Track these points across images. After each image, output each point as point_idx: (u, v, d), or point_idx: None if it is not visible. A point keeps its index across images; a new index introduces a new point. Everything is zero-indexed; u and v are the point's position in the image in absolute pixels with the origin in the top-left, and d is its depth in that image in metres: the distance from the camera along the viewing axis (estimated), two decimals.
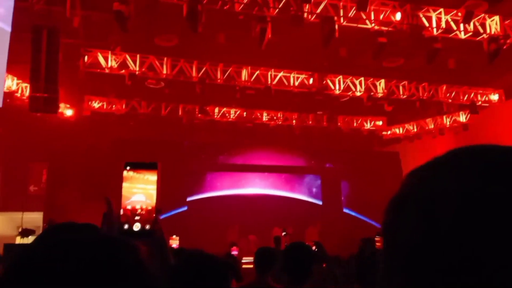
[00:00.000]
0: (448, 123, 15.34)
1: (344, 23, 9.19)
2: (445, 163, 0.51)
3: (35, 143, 13.29)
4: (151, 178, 1.29)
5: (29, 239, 11.44)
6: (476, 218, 0.44)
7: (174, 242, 8.67)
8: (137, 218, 1.26)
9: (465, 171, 0.47)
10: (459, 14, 9.30)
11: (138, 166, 1.30)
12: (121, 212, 1.29)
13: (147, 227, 1.27)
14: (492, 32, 9.65)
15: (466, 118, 14.72)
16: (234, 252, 9.65)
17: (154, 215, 1.26)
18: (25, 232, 11.22)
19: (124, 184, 1.28)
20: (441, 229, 0.45)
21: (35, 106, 8.98)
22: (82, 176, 13.83)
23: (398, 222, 0.51)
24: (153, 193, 1.27)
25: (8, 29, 8.27)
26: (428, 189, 0.48)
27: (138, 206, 1.27)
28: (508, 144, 0.57)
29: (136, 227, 1.26)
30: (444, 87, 13.39)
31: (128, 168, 1.27)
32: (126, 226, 1.26)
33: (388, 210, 0.54)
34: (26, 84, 11.33)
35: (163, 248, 1.46)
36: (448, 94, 13.51)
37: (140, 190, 1.28)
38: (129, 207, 1.27)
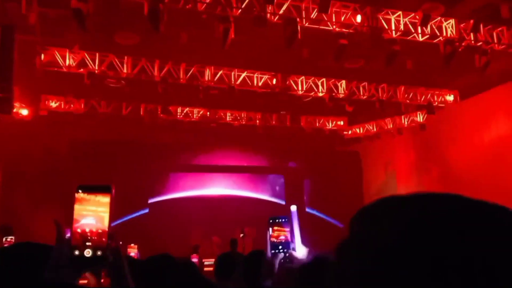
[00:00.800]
0: (406, 123, 15.78)
1: (306, 25, 9.29)
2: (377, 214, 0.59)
3: None
4: (103, 200, 1.23)
5: None
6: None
7: (133, 251, 8.48)
8: (88, 243, 1.20)
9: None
10: (417, 17, 9.59)
11: (91, 188, 1.24)
12: (70, 235, 1.23)
13: (99, 253, 1.20)
14: (448, 35, 10.00)
15: (423, 118, 15.19)
16: (194, 260, 9.59)
17: (105, 240, 1.21)
18: None
19: (76, 206, 1.22)
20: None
21: None
22: (38, 179, 13.37)
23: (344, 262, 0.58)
24: (104, 215, 1.22)
25: None
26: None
27: (87, 229, 1.21)
28: (463, 142, 0.67)
29: (87, 253, 1.20)
30: (403, 88, 13.78)
31: (80, 191, 1.22)
32: (76, 252, 1.19)
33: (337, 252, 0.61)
34: None
35: (120, 274, 1.40)
36: (406, 95, 13.90)
37: (90, 213, 1.22)
38: (78, 230, 1.21)
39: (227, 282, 3.68)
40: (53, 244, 1.24)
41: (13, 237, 8.19)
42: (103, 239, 1.20)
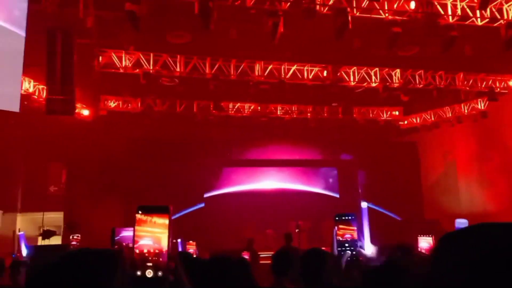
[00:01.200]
0: (466, 111, 15.09)
1: (357, 14, 9.07)
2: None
3: (53, 144, 13.48)
4: (159, 221, 1.26)
5: (50, 241, 11.65)
6: None
7: (191, 247, 8.68)
8: (149, 264, 1.23)
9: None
10: (475, 0, 9.10)
11: (149, 209, 1.27)
12: (133, 254, 1.27)
13: (160, 273, 1.23)
14: (510, 18, 9.42)
15: (484, 105, 14.45)
16: (246, 256, 9.68)
17: (165, 260, 1.23)
18: (46, 234, 11.42)
19: (137, 227, 1.25)
20: None
21: (52, 108, 9.09)
22: (99, 176, 14.00)
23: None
24: (161, 236, 1.24)
25: (23, 33, 8.36)
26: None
27: (145, 250, 1.23)
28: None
29: (149, 273, 1.22)
30: (462, 75, 13.17)
31: (140, 212, 1.25)
32: (138, 273, 1.22)
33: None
34: (42, 86, 11.48)
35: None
36: (465, 82, 13.28)
37: (148, 234, 1.24)
38: (137, 251, 1.24)
39: (283, 278, 3.68)
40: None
41: (79, 235, 8.62)
42: (161, 259, 1.22)
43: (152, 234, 1.25)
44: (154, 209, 1.27)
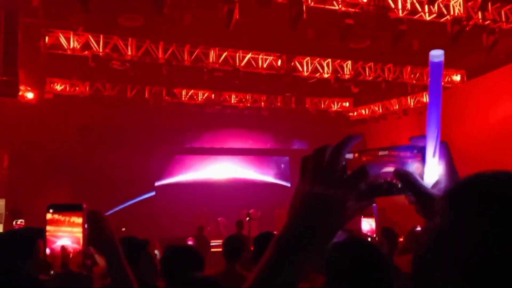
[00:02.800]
0: (412, 103, 15.68)
1: (312, 4, 9.17)
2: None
3: None
4: (77, 220, 1.24)
5: None
6: None
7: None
8: (65, 262, 1.22)
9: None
10: None
11: (62, 208, 1.24)
12: (47, 252, 1.24)
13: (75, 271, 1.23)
14: (456, 14, 9.84)
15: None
16: (190, 242, 9.68)
17: (81, 259, 1.22)
18: None
19: (49, 228, 1.22)
20: None
21: None
22: (46, 162, 13.47)
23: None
24: (80, 236, 1.23)
25: None
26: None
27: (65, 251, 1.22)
28: (469, 122, 0.66)
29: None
30: (409, 68, 13.65)
31: (51, 211, 1.22)
32: (52, 272, 1.22)
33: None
34: None
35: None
36: (412, 75, 13.78)
37: (66, 234, 1.23)
38: (48, 250, 1.22)
39: (235, 263, 3.73)
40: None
41: (23, 220, 8.31)
42: (80, 258, 1.21)
43: (71, 234, 1.23)
44: (68, 208, 1.25)
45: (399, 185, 0.76)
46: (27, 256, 1.25)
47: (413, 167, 0.78)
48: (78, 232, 1.24)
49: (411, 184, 0.75)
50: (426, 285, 0.57)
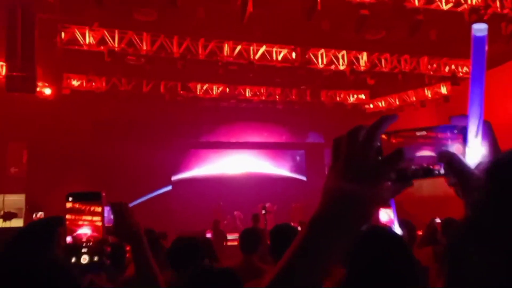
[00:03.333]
0: (429, 95, 15.46)
1: None
2: None
3: (14, 123, 13.00)
4: (96, 209, 1.24)
5: (12, 223, 11.34)
6: None
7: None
8: (84, 250, 1.22)
9: None
10: None
11: (81, 197, 1.24)
12: (68, 240, 1.25)
13: (96, 258, 1.22)
14: (473, 3, 9.65)
15: (447, 90, 14.84)
16: (208, 235, 9.79)
17: (101, 245, 1.22)
18: (7, 216, 11.11)
19: (68, 216, 1.23)
20: None
21: (12, 85, 8.76)
22: (63, 157, 13.65)
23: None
24: (100, 225, 1.23)
25: None
26: None
27: (84, 239, 1.22)
28: (489, 113, 0.63)
29: (84, 259, 1.22)
30: (426, 59, 13.44)
31: (70, 199, 1.22)
32: (73, 260, 1.21)
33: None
34: (2, 63, 11.00)
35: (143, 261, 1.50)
36: (429, 66, 13.57)
37: (86, 223, 1.23)
38: (69, 238, 1.22)
39: (252, 256, 3.72)
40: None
41: (42, 213, 8.44)
42: (101, 245, 1.22)
43: (91, 223, 1.23)
44: (87, 196, 1.25)
45: (436, 171, 0.74)
46: (49, 244, 1.27)
47: (453, 148, 0.75)
48: (98, 220, 1.25)
49: (456, 166, 0.73)
50: (461, 263, 0.55)
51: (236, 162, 17.69)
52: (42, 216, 8.20)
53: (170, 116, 15.48)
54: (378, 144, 0.73)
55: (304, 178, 17.90)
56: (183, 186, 16.39)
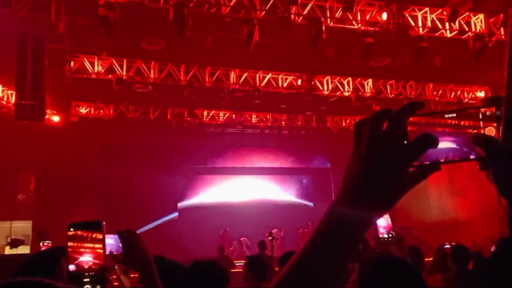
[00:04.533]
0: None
1: (331, 24, 9.23)
2: None
3: (22, 150, 13.11)
4: (98, 236, 1.26)
5: (18, 250, 11.30)
6: None
7: None
8: (86, 279, 1.23)
9: None
10: (444, 13, 9.39)
11: (82, 226, 1.27)
12: (71, 268, 1.27)
13: (98, 287, 1.24)
14: (477, 30, 9.75)
15: None
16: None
17: (103, 273, 1.24)
18: (14, 243, 11.07)
19: (70, 244, 1.25)
20: None
21: (21, 113, 8.88)
22: (71, 183, 13.68)
23: None
24: (101, 252, 1.25)
25: None
26: None
27: (86, 267, 1.24)
28: None
29: None
30: (431, 85, 13.51)
31: (72, 229, 1.25)
32: None
33: None
34: (11, 91, 11.19)
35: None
36: (435, 92, 13.63)
37: (88, 250, 1.25)
38: (72, 267, 1.24)
39: (261, 283, 3.68)
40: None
41: (49, 242, 8.41)
42: (103, 273, 1.23)
43: (92, 250, 1.25)
44: (87, 225, 1.27)
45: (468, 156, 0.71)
46: (52, 276, 1.29)
47: (485, 130, 0.73)
48: (99, 248, 1.26)
49: (491, 149, 0.70)
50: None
51: (242, 188, 17.63)
52: (50, 244, 8.17)
53: (177, 142, 15.56)
54: (404, 129, 0.69)
55: (311, 204, 17.79)
56: (189, 212, 16.32)
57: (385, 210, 0.70)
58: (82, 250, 1.28)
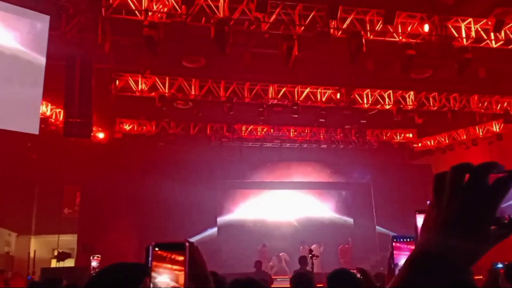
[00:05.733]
0: (481, 133, 14.97)
1: (371, 37, 9.15)
2: None
3: (69, 166, 13.61)
4: (178, 258, 1.27)
5: (65, 263, 11.66)
6: None
7: None
8: None
9: None
10: (489, 23, 9.14)
11: (166, 247, 1.29)
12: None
13: None
14: None
15: (499, 127, 14.34)
16: None
17: None
18: (61, 256, 11.42)
19: (154, 263, 1.27)
20: None
21: (69, 131, 9.23)
22: (114, 198, 14.05)
23: None
24: (179, 274, 1.25)
25: (43, 59, 8.56)
26: None
27: (164, 286, 1.25)
28: None
29: None
30: (476, 97, 13.11)
31: (157, 249, 1.27)
32: None
33: None
34: (60, 110, 11.66)
35: None
36: (480, 104, 13.21)
37: (166, 270, 1.26)
38: (152, 286, 1.25)
39: None
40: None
41: (99, 255, 8.62)
42: None
43: (170, 271, 1.25)
44: (171, 247, 1.29)
45: None
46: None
47: None
48: (178, 269, 1.26)
49: None
50: None
51: (280, 202, 17.55)
52: (99, 258, 8.37)
53: (216, 157, 15.73)
54: (486, 182, 0.68)
55: (350, 219, 17.48)
56: (228, 227, 16.36)
57: (467, 264, 0.68)
58: (161, 270, 1.29)
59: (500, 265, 5.71)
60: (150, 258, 1.27)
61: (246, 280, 2.99)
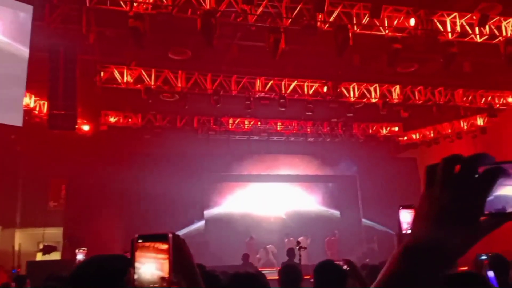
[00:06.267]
0: (465, 127, 15.15)
1: (358, 31, 9.17)
2: None
3: (54, 159, 13.45)
4: (162, 247, 1.27)
5: (51, 256, 11.57)
6: None
7: None
8: None
9: None
10: (474, 17, 9.22)
11: (149, 238, 1.28)
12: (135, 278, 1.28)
13: None
14: (509, 35, 9.53)
15: (483, 121, 14.52)
16: None
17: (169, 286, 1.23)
18: (47, 249, 11.33)
19: (137, 254, 1.26)
20: None
21: (54, 123, 9.13)
22: (100, 191, 13.95)
23: None
24: (164, 262, 1.25)
25: (26, 49, 8.41)
26: None
27: (148, 276, 1.24)
28: None
29: None
30: (461, 91, 13.25)
31: (140, 241, 1.26)
32: None
33: None
34: (44, 101, 11.50)
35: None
36: (464, 98, 13.36)
37: (150, 260, 1.25)
38: (137, 276, 1.25)
39: None
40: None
41: (85, 248, 8.54)
42: (168, 284, 1.22)
43: (155, 259, 1.25)
44: (154, 238, 1.28)
45: None
46: (121, 282, 1.32)
47: None
48: (163, 258, 1.25)
49: None
50: None
51: (268, 195, 17.59)
52: (85, 251, 8.30)
53: (203, 150, 15.68)
54: (476, 173, 0.69)
55: (337, 212, 17.60)
56: (215, 220, 16.37)
57: (457, 255, 0.69)
58: (145, 259, 1.28)
59: (484, 257, 5.79)
60: (132, 249, 1.27)
61: (246, 275, 2.94)
